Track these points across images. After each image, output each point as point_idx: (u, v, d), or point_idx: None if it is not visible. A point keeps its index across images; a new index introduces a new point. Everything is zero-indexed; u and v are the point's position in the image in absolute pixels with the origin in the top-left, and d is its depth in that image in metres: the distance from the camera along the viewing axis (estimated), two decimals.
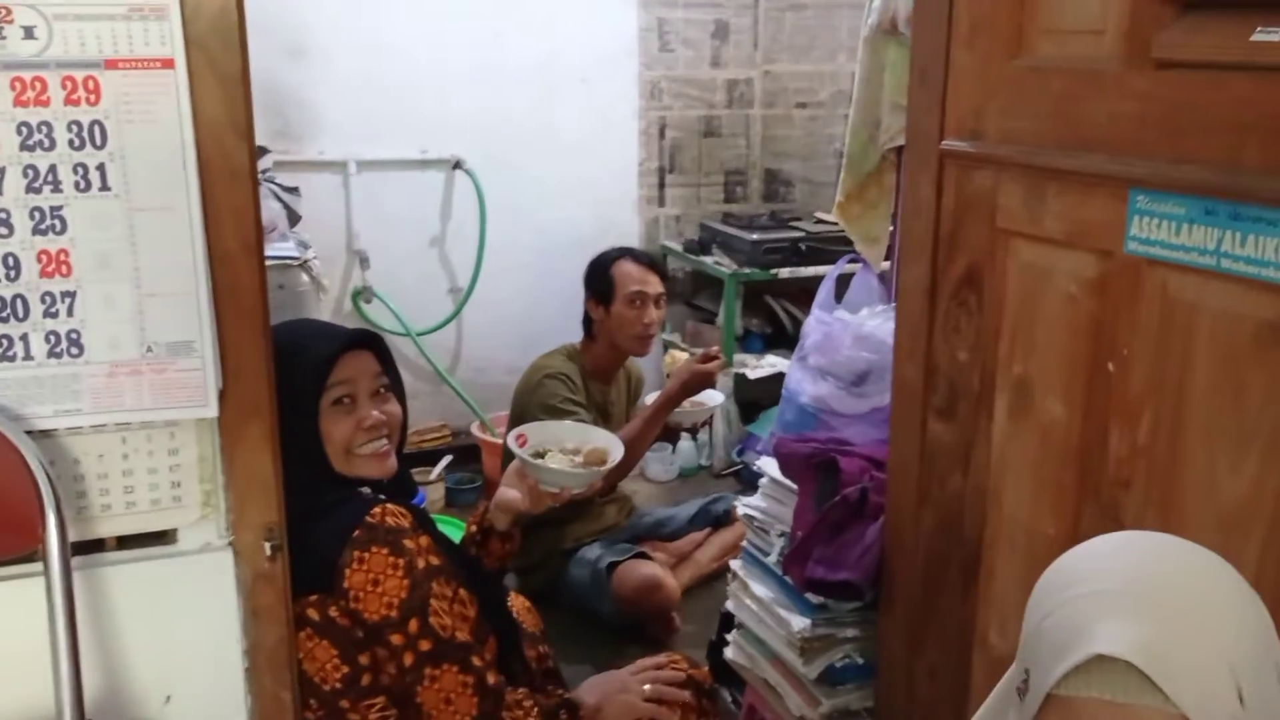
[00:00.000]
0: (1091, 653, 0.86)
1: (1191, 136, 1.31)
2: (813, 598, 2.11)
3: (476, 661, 1.67)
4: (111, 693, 1.45)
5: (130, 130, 1.30)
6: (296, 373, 1.68)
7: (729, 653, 2.46)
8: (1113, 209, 1.42)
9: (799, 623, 2.13)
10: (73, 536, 1.34)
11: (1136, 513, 1.43)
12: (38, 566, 1.31)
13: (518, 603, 2.33)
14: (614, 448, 2.16)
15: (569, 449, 2.14)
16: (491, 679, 1.68)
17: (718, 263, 4.12)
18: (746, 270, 4.01)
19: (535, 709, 1.74)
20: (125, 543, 1.43)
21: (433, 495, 3.88)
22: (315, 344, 1.74)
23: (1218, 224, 1.29)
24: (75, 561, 1.34)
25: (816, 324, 2.37)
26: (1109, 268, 1.44)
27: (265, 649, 1.52)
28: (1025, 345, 1.60)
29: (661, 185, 4.44)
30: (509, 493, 1.97)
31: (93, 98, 1.29)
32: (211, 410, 1.39)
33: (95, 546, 1.42)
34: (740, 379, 4.04)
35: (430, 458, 4.04)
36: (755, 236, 4.04)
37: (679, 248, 4.37)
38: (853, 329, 2.24)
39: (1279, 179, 1.21)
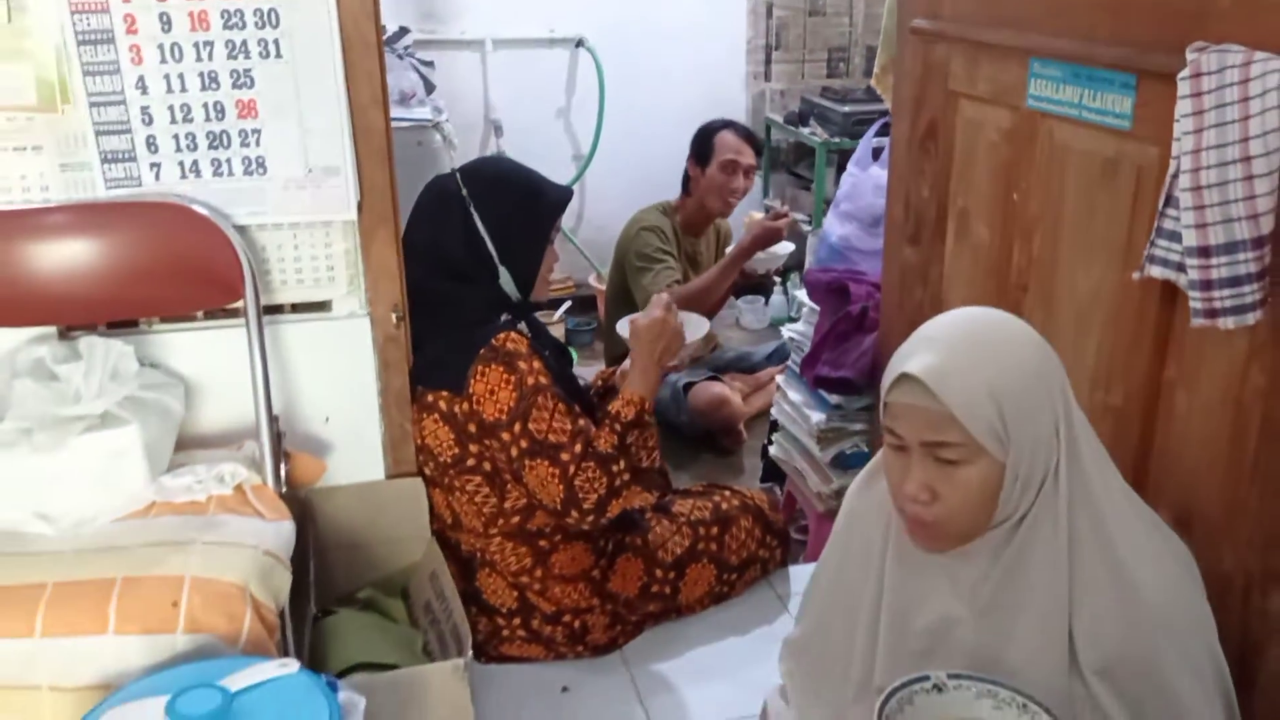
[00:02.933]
0: (901, 371, 1.31)
1: (1066, 16, 1.73)
2: (828, 396, 2.62)
3: (564, 457, 2.10)
4: (291, 411, 2.09)
5: (295, 15, 1.87)
6: (540, 208, 2.26)
7: (773, 450, 3.00)
8: (1019, 73, 1.85)
9: (817, 417, 2.65)
10: (262, 301, 1.95)
11: (1029, 309, 1.88)
12: (241, 320, 1.94)
13: None
14: (697, 327, 2.57)
15: None
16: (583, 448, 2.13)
17: (813, 133, 4.53)
18: (837, 140, 4.41)
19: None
20: (297, 309, 2.05)
21: (555, 332, 4.49)
22: (552, 190, 2.30)
23: (1080, 84, 1.71)
24: (264, 319, 1.96)
25: (848, 176, 2.82)
26: (1016, 119, 1.88)
27: (393, 390, 2.15)
28: (966, 183, 2.05)
29: (768, 61, 4.84)
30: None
31: None
32: (352, 215, 1.98)
33: (277, 310, 2.04)
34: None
35: (553, 305, 4.64)
36: (847, 109, 4.41)
37: (780, 119, 4.78)
38: (874, 179, 2.68)
39: (1117, 49, 1.63)
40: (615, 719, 2.16)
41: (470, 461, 2.17)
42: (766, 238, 3.47)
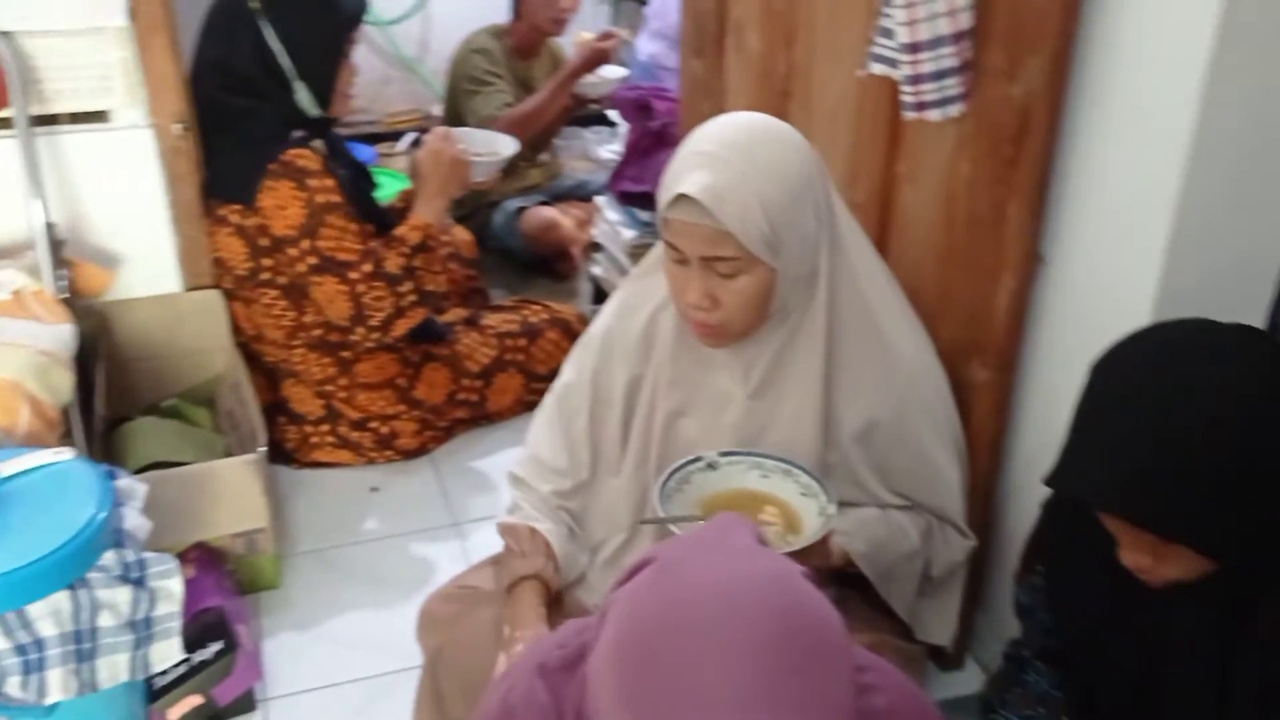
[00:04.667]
0: (678, 191, 1.35)
1: None
2: (639, 214, 2.71)
3: (353, 275, 2.17)
4: (77, 223, 2.10)
5: None
6: (334, 20, 2.23)
7: (596, 270, 3.10)
8: None
9: (629, 234, 2.74)
10: (35, 110, 1.94)
11: (793, 114, 1.97)
12: (14, 131, 1.93)
13: (459, 235, 2.92)
14: (505, 146, 2.63)
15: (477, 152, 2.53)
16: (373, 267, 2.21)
17: None
18: None
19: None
20: (77, 119, 2.04)
21: (399, 165, 4.46)
22: (347, 1, 2.26)
23: None
24: (40, 129, 1.95)
25: None
26: None
27: (183, 203, 2.17)
28: None
29: None
30: None
31: None
32: (123, 21, 1.96)
33: (53, 120, 2.02)
34: None
35: (396, 136, 4.59)
36: None
37: None
38: None
39: None
40: (421, 516, 2.29)
41: (265, 275, 2.22)
42: (594, 59, 3.48)
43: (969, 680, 1.79)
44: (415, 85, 4.67)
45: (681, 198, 1.32)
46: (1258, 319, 1.40)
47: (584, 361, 1.58)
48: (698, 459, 1.43)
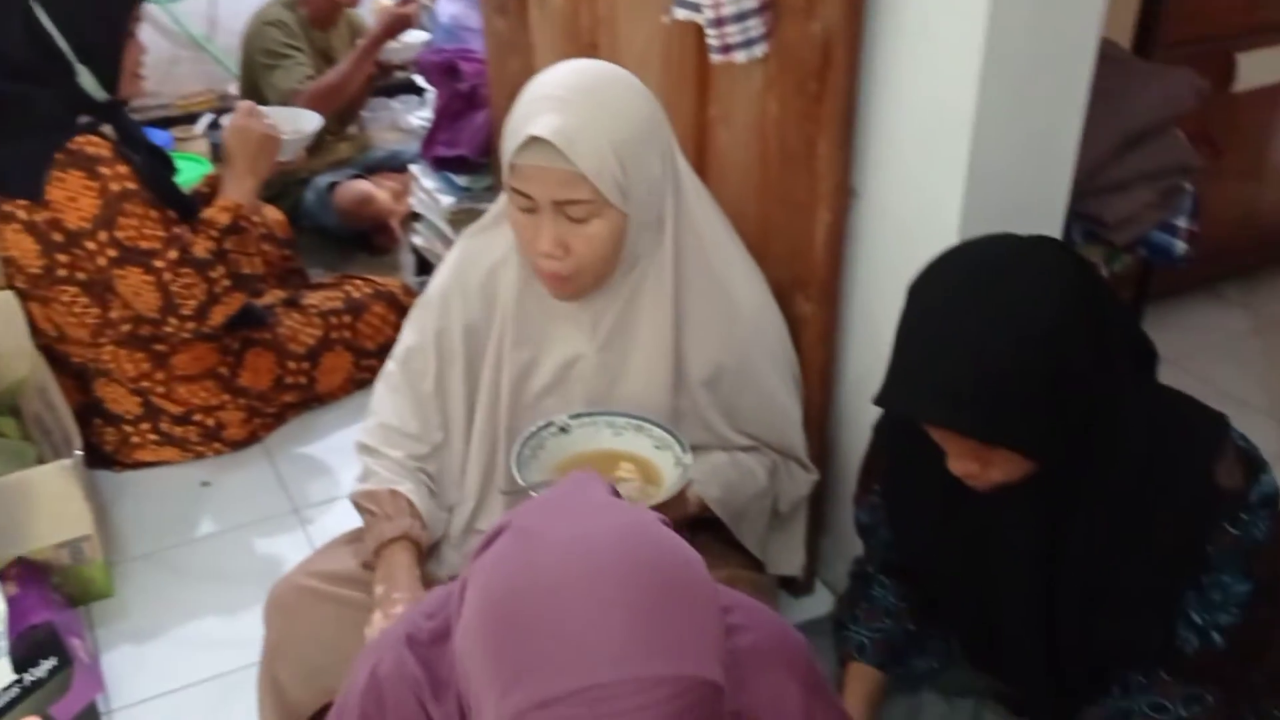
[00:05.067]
0: (529, 134, 1.31)
1: None
2: (455, 179, 2.67)
3: (158, 263, 2.06)
4: None
5: None
6: None
7: (416, 240, 3.04)
8: None
9: (447, 200, 2.70)
10: None
11: None
12: None
13: (271, 214, 2.80)
14: (310, 121, 2.56)
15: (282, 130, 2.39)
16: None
17: None
18: None
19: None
20: None
21: (199, 149, 4.26)
22: None
23: None
24: None
25: None
26: None
27: None
28: None
29: None
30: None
31: None
32: None
33: None
34: None
35: (191, 119, 4.38)
36: None
37: None
38: None
39: None
40: (260, 507, 2.22)
41: (61, 272, 2.09)
42: (396, 25, 3.39)
43: (820, 604, 1.85)
44: (207, 64, 4.47)
45: (531, 141, 1.30)
46: (1056, 230, 1.48)
47: (425, 321, 1.54)
48: (549, 424, 1.43)
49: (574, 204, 1.33)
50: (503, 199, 1.45)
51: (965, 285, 1.12)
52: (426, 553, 1.49)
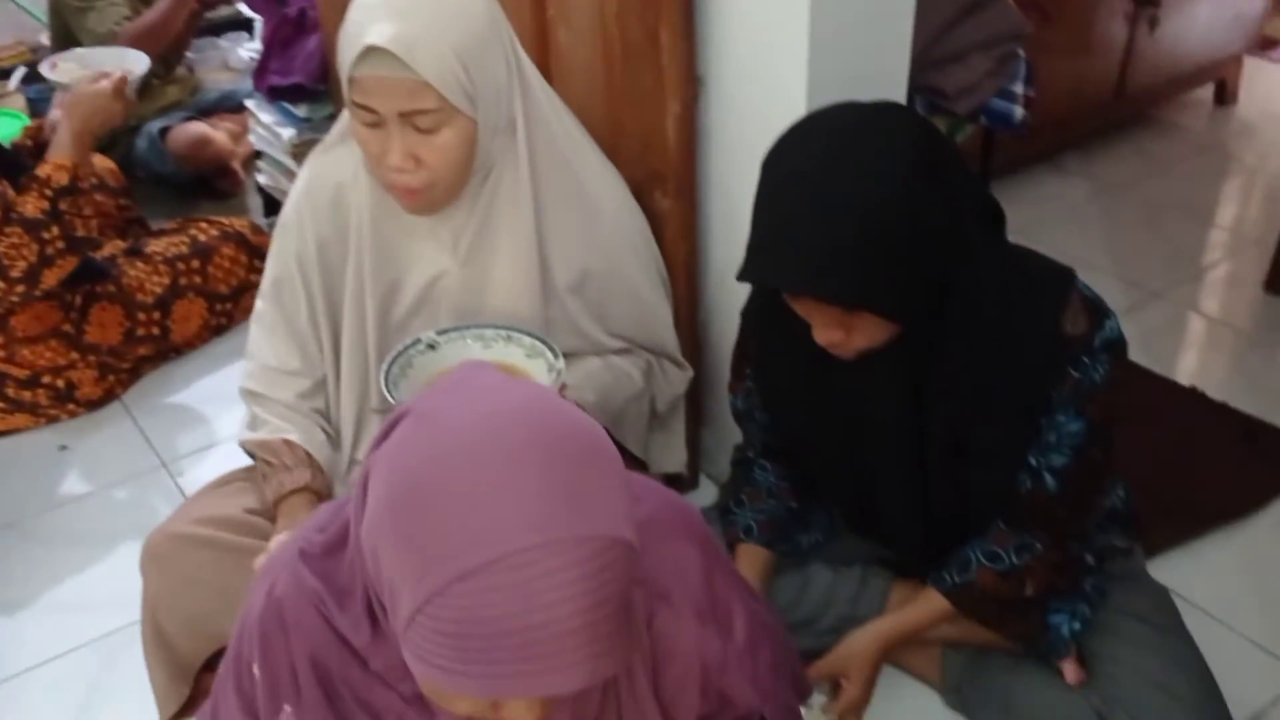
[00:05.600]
0: (366, 44, 1.25)
1: None
2: (294, 110, 2.57)
3: None
4: None
5: None
6: None
7: (262, 179, 2.93)
8: None
9: (288, 133, 2.59)
10: None
11: None
12: None
13: (102, 164, 2.65)
14: (137, 63, 2.42)
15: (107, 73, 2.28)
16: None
17: None
18: None
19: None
20: None
21: (16, 104, 4.01)
22: None
23: None
24: None
25: None
26: None
27: None
28: None
29: None
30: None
31: None
32: None
33: None
34: None
35: (4, 74, 4.12)
36: None
37: None
38: None
39: None
40: (125, 466, 2.13)
41: None
42: None
43: (705, 497, 1.88)
44: (11, 13, 4.19)
45: (369, 52, 1.25)
46: (899, 100, 1.50)
47: (284, 249, 1.49)
48: (416, 341, 1.40)
49: (420, 114, 1.28)
50: (345, 116, 1.40)
51: (817, 154, 1.13)
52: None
